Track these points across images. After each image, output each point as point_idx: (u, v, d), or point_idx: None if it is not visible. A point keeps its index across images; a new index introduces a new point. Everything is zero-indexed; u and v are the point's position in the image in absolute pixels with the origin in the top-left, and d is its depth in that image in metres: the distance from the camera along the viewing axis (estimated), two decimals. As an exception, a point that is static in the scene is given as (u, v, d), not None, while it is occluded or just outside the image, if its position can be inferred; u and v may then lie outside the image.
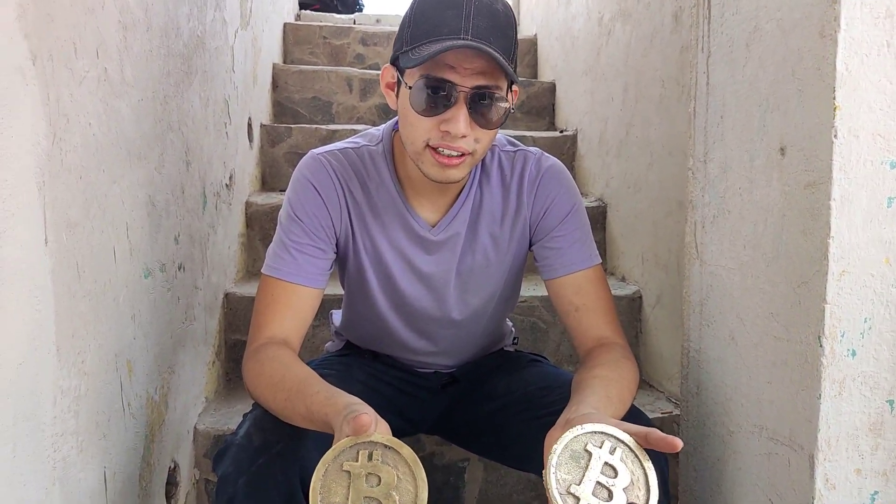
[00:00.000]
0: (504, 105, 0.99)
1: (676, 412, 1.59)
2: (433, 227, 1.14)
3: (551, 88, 2.67)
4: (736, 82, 1.06)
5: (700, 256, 1.17)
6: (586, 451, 0.75)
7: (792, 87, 0.93)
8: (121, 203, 1.10)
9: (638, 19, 1.88)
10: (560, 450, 0.75)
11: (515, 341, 1.45)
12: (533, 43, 2.94)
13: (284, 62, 2.74)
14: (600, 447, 0.76)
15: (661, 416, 1.60)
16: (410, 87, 0.97)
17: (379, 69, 1.82)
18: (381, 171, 1.13)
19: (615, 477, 0.74)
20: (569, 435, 0.76)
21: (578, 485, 0.73)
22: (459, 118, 0.96)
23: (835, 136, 0.86)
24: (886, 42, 0.86)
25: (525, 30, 3.17)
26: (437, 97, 0.96)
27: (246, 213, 1.97)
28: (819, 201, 0.89)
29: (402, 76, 1.01)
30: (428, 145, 1.00)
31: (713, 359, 1.15)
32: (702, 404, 1.18)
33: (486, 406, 1.20)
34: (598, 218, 2.10)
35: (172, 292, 1.34)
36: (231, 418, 1.52)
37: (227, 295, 1.72)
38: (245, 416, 1.04)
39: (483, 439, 1.23)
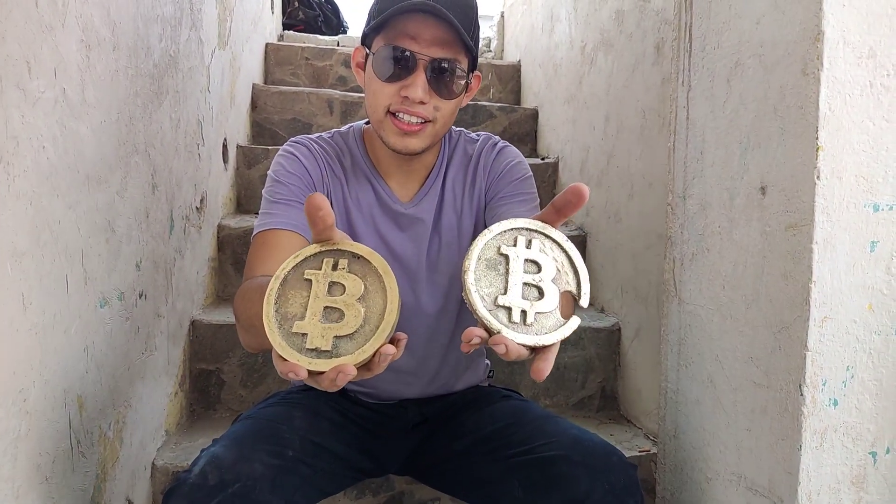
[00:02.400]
0: (463, 79, 1.06)
1: (654, 450, 1.55)
2: (405, 203, 1.18)
3: (534, 115, 2.65)
4: (716, 118, 1.03)
5: (679, 294, 1.13)
6: (501, 254, 0.65)
7: (774, 125, 0.91)
8: (76, 229, 1.05)
9: (620, 50, 1.86)
10: (474, 264, 0.64)
11: (491, 374, 1.40)
12: (517, 69, 2.93)
13: (265, 83, 2.70)
14: (514, 245, 0.66)
15: (638, 454, 1.55)
16: (374, 54, 1.05)
17: (362, 91, 1.80)
18: (353, 150, 1.19)
19: (539, 271, 0.65)
20: (479, 244, 0.65)
21: (505, 293, 0.63)
22: (418, 84, 1.02)
23: (817, 177, 0.84)
24: (869, 82, 0.84)
25: (509, 56, 3.16)
26: (398, 64, 1.02)
27: (218, 237, 1.91)
28: (801, 244, 0.86)
29: (370, 49, 1.08)
30: (389, 112, 1.05)
31: (691, 401, 1.11)
32: (679, 448, 1.14)
33: (453, 445, 1.15)
34: (578, 247, 2.06)
35: (132, 322, 1.28)
36: (192, 453, 1.45)
37: (193, 322, 1.66)
38: (202, 451, 0.99)
39: (451, 478, 1.17)
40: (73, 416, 1.04)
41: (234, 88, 2.18)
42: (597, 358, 1.81)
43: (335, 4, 3.55)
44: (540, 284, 0.65)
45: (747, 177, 0.96)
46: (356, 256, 0.67)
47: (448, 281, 1.21)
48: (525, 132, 2.63)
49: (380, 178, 1.19)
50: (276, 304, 0.65)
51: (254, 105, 2.46)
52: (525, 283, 0.65)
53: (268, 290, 0.65)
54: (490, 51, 3.36)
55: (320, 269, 0.66)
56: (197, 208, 1.71)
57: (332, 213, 0.64)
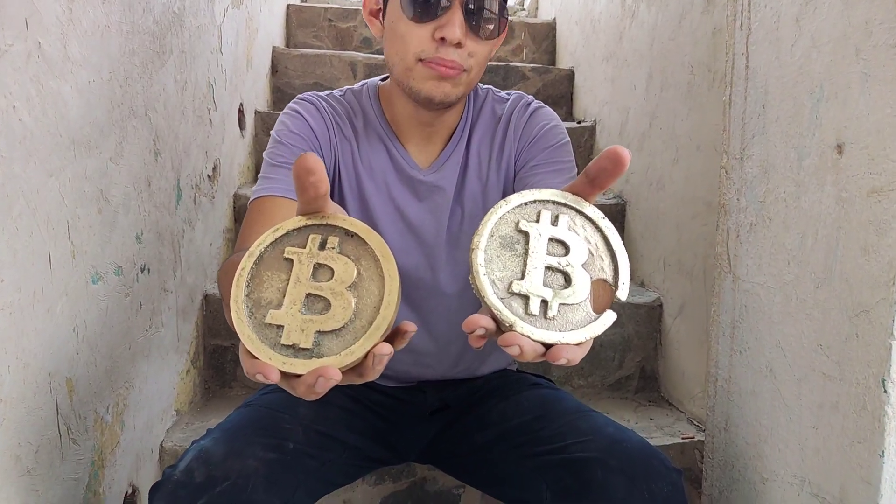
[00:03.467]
0: (497, 19, 0.95)
1: (700, 437, 1.42)
2: (424, 169, 1.06)
3: (569, 76, 2.49)
4: (782, 65, 0.88)
5: (733, 270, 0.99)
6: (520, 231, 0.53)
7: (855, 70, 0.76)
8: (59, 199, 0.95)
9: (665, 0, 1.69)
10: (485, 241, 0.52)
11: (518, 358, 1.28)
12: (551, 28, 2.76)
13: (287, 46, 2.59)
14: (537, 221, 0.53)
15: (681, 441, 1.43)
16: None
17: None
18: (366, 110, 1.08)
19: (567, 253, 0.52)
20: (492, 217, 0.53)
21: (521, 279, 0.51)
22: (455, 22, 0.90)
23: (912, 130, 0.69)
24: (982, 12, 0.68)
25: (544, 14, 2.98)
26: (431, 2, 0.90)
27: (234, 207, 1.82)
28: (886, 212, 0.72)
29: None
30: (419, 60, 0.93)
31: (746, 391, 0.97)
32: (731, 443, 1.01)
33: (476, 436, 1.04)
34: (616, 216, 1.93)
35: (132, 297, 1.19)
36: (204, 433, 1.37)
37: (206, 297, 1.58)
38: (192, 444, 0.90)
39: (472, 471, 1.07)
40: (60, 401, 0.96)
41: (251, 51, 2.06)
42: (636, 336, 1.68)
43: (362, -37, 3.40)
44: (567, 270, 0.52)
45: (820, 133, 0.81)
46: (349, 234, 0.54)
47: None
48: (560, 94, 2.47)
49: (396, 140, 1.07)
50: (247, 286, 0.53)
51: (274, 69, 2.35)
52: (548, 268, 0.52)
53: (238, 269, 0.53)
54: (523, 9, 3.18)
55: (304, 248, 0.54)
56: (209, 177, 1.62)
57: (326, 180, 0.51)
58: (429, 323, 1.10)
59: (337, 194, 1.06)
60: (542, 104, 1.11)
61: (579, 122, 2.31)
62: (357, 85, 1.13)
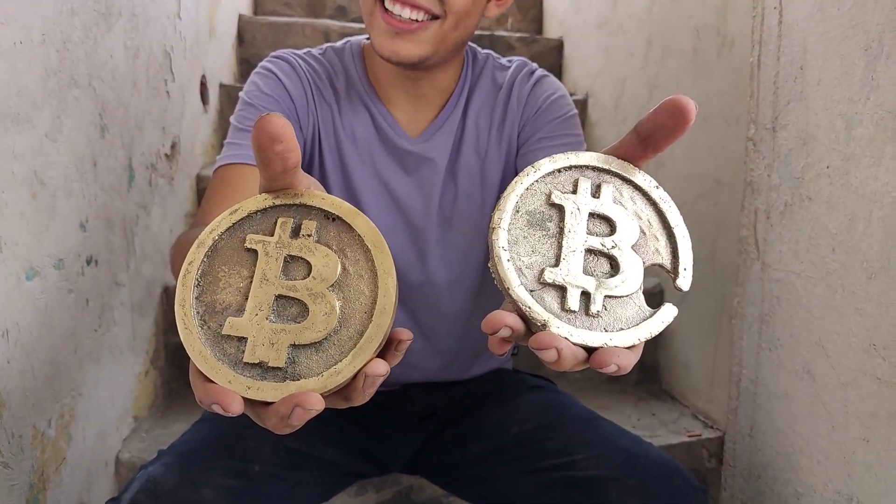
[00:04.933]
0: None
1: (708, 435, 1.31)
2: (413, 137, 0.94)
3: (558, 46, 2.35)
4: (827, 19, 0.75)
5: (762, 257, 0.88)
6: (553, 205, 0.42)
7: (926, 18, 0.63)
8: (-22, 182, 0.80)
9: (665, -42, 1.56)
10: (508, 218, 0.41)
11: (515, 352, 1.16)
12: (538, -5, 2.61)
13: (255, 14, 2.42)
14: (574, 192, 0.42)
15: (687, 439, 1.32)
16: None
17: (363, 22, 1.54)
18: (349, 70, 0.94)
19: (613, 232, 0.41)
20: (516, 189, 0.41)
21: (556, 265, 0.40)
22: None
23: None
24: None
25: (529, -19, 2.83)
26: None
27: (197, 189, 1.66)
28: (966, 189, 0.60)
29: None
30: (378, 2, 0.80)
31: (776, 394, 0.86)
32: (757, 450, 0.90)
33: (470, 448, 0.92)
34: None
35: (77, 293, 1.05)
36: (166, 441, 1.24)
37: (166, 289, 1.43)
38: (140, 470, 0.77)
39: (469, 489, 0.95)
40: (-14, 420, 0.82)
41: (215, 18, 1.90)
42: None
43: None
44: (613, 253, 0.40)
45: (876, 96, 0.69)
46: (330, 217, 0.42)
47: (465, 242, 0.96)
48: (548, 66, 2.33)
49: (381, 105, 0.93)
50: (197, 286, 0.40)
51: (240, 39, 2.18)
52: (589, 251, 0.41)
53: (185, 263, 0.41)
54: (507, -23, 3.02)
55: (272, 236, 0.41)
56: (166, 155, 1.46)
57: (297, 149, 0.38)
58: (417, 316, 0.97)
59: (318, 167, 0.93)
60: (547, 73, 0.98)
61: (570, 96, 2.17)
62: (339, 42, 0.99)
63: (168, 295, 1.43)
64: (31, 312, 0.92)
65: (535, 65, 0.99)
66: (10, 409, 0.87)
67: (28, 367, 0.91)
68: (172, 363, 1.45)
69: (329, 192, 0.93)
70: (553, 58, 2.34)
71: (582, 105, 2.10)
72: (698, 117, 1.38)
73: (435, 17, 0.80)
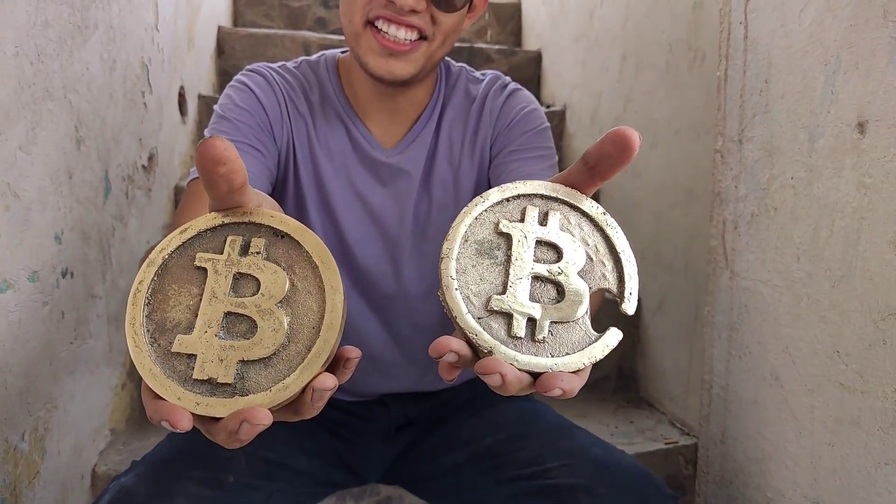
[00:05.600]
0: None
1: (684, 442, 1.33)
2: (388, 149, 0.95)
3: (536, 58, 2.37)
4: (789, 33, 0.77)
5: (731, 266, 0.89)
6: (501, 234, 0.43)
7: (881, 35, 0.65)
8: (-50, 194, 0.80)
9: (639, -27, 1.59)
10: (457, 248, 0.42)
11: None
12: (517, 7, 2.64)
13: (234, 25, 2.42)
14: (521, 220, 0.43)
15: (664, 446, 1.33)
16: None
17: (342, 34, 1.53)
18: (323, 83, 0.95)
19: (560, 259, 0.42)
20: (465, 219, 0.43)
21: (502, 292, 0.41)
22: None
23: (955, 104, 0.59)
24: None
25: (508, -6, 2.86)
26: None
27: (175, 200, 1.66)
28: (921, 200, 0.62)
29: None
30: (368, 21, 0.81)
31: (746, 400, 0.88)
32: (728, 457, 0.92)
33: (445, 457, 0.93)
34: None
35: (52, 306, 1.04)
36: (143, 454, 1.23)
37: (143, 301, 1.42)
38: (112, 481, 0.76)
39: (446, 498, 0.95)
40: (-44, 434, 0.81)
41: (193, 29, 1.90)
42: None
43: (315, -59, 3.23)
44: (559, 279, 0.41)
45: (836, 110, 0.71)
46: (278, 234, 0.43)
47: (439, 251, 0.97)
48: (527, 78, 2.36)
49: (356, 118, 0.94)
50: (147, 304, 0.41)
51: (220, 50, 2.18)
52: (536, 277, 0.41)
53: (135, 282, 0.41)
54: (486, -10, 3.05)
55: (221, 253, 0.42)
56: (144, 167, 1.46)
57: (242, 169, 0.39)
58: (391, 326, 0.98)
59: (292, 178, 0.94)
60: (520, 86, 1.00)
61: (548, 107, 2.20)
62: (314, 56, 1.00)
63: (145, 307, 1.42)
64: (4, 325, 0.92)
65: (507, 78, 1.00)
66: (-19, 423, 0.86)
67: (1, 380, 0.91)
68: (149, 375, 1.43)
69: (304, 200, 0.94)
70: (532, 69, 2.36)
71: (560, 116, 2.12)
72: (671, 130, 1.41)
73: (424, 37, 0.82)
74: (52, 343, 1.05)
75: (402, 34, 0.80)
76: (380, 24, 0.80)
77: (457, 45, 2.30)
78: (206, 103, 1.92)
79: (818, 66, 0.73)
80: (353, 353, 0.41)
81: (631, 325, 1.60)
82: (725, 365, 0.91)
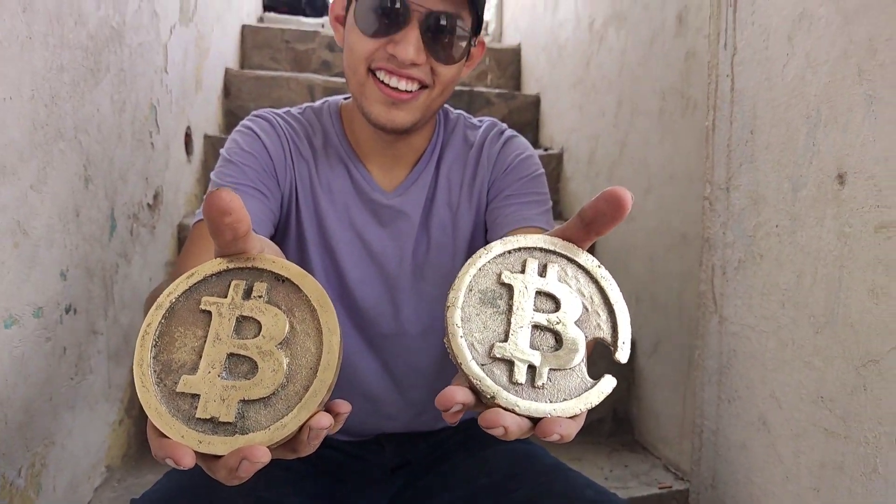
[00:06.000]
0: (465, 40, 0.86)
1: (678, 486, 1.33)
2: (388, 192, 0.97)
3: (535, 102, 2.43)
4: (773, 88, 0.81)
5: (719, 310, 0.91)
6: (503, 284, 0.45)
7: (857, 92, 0.68)
8: (-38, 232, 0.83)
9: (634, 23, 1.64)
10: (462, 297, 0.44)
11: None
12: (516, 53, 2.70)
13: (242, 67, 2.48)
14: (522, 272, 0.46)
15: (658, 491, 1.33)
16: (357, 1, 0.84)
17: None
18: (326, 129, 0.98)
19: (558, 309, 0.45)
20: (470, 270, 0.45)
21: (504, 340, 0.43)
22: (409, 41, 0.82)
23: (927, 160, 0.62)
24: None
25: (508, 39, 2.94)
26: (386, 16, 0.82)
27: (178, 238, 1.69)
28: (897, 250, 0.64)
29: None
30: (370, 71, 0.85)
31: (735, 444, 0.89)
32: (718, 502, 0.92)
33: (442, 497, 0.93)
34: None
35: (55, 342, 1.06)
36: (138, 491, 1.23)
37: (143, 337, 1.44)
38: None
39: (437, 537, 0.95)
40: (-44, 468, 0.82)
41: (202, 71, 1.95)
42: (613, 375, 1.59)
43: (321, -15, 3.34)
44: (557, 328, 0.44)
45: (818, 161, 0.74)
46: (279, 279, 0.45)
47: (437, 292, 0.99)
48: (526, 121, 2.41)
49: (358, 161, 0.97)
50: (155, 346, 0.43)
51: (227, 91, 2.24)
52: (536, 326, 0.44)
53: (144, 325, 0.44)
54: (488, 34, 3.13)
55: (225, 297, 0.44)
56: (149, 205, 1.49)
57: (246, 218, 0.42)
58: (389, 365, 0.99)
59: (294, 220, 0.96)
60: (516, 133, 1.03)
61: (546, 150, 2.24)
62: (318, 102, 1.03)
63: (145, 343, 1.44)
64: (8, 361, 0.93)
65: (504, 125, 1.04)
66: (-20, 457, 0.87)
67: (1, 415, 0.92)
68: (146, 413, 1.44)
69: (305, 242, 0.97)
70: (530, 113, 2.42)
71: (557, 159, 2.16)
72: (666, 175, 1.44)
73: (424, 87, 0.86)
74: (53, 379, 1.06)
75: (404, 85, 0.84)
76: (381, 75, 0.84)
77: (458, 88, 2.36)
78: (212, 143, 1.96)
79: (800, 119, 0.76)
80: (343, 407, 0.43)
81: (626, 368, 1.61)
82: (716, 409, 0.92)
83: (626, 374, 1.60)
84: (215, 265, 0.45)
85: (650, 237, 1.54)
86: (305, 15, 3.15)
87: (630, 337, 0.45)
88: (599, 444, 1.57)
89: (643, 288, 1.57)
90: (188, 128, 1.81)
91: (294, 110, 1.02)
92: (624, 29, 1.69)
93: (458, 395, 0.40)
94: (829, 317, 0.72)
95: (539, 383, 0.42)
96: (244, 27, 2.53)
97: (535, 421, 0.41)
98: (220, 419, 0.41)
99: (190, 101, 1.83)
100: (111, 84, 1.28)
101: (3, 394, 0.92)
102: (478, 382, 0.41)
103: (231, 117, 2.22)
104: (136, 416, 1.41)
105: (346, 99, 1.02)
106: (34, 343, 1.00)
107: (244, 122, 0.98)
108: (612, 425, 1.60)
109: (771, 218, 0.81)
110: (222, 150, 0.95)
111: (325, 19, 3.06)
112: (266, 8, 3.04)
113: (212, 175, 0.93)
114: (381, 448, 1.02)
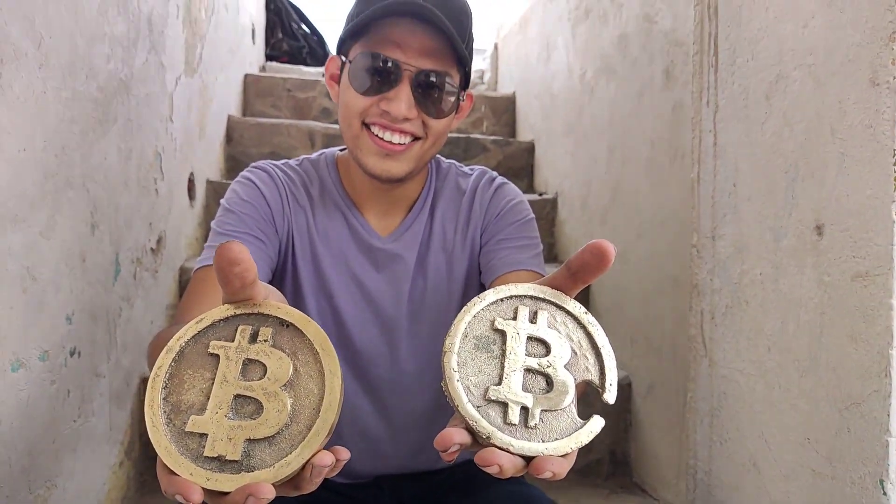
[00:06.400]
0: (454, 96, 0.91)
1: (674, 529, 1.34)
2: (384, 237, 1.01)
3: (530, 148, 2.49)
4: (753, 143, 0.85)
5: (709, 354, 0.94)
6: (496, 331, 0.48)
7: (831, 149, 0.73)
8: (-25, 279, 0.86)
9: (624, 76, 1.70)
10: (458, 343, 0.47)
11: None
12: (511, 101, 2.78)
13: (244, 115, 2.54)
14: (514, 318, 0.49)
15: (656, 533, 1.34)
16: (350, 62, 0.89)
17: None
18: (323, 178, 1.02)
19: (548, 353, 0.47)
20: (465, 317, 0.48)
21: (499, 384, 0.46)
22: (401, 98, 0.87)
23: (897, 213, 0.65)
24: (960, 93, 0.66)
25: (503, 88, 3.02)
26: (379, 75, 0.87)
27: (180, 282, 1.72)
28: (874, 298, 0.68)
29: (346, 57, 0.92)
30: (364, 125, 0.90)
31: (728, 486, 0.91)
32: (713, 543, 0.94)
33: (441, 540, 0.95)
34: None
35: (59, 384, 1.08)
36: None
37: (143, 380, 1.46)
38: None
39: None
40: (-39, 511, 0.84)
41: (205, 119, 2.01)
42: (604, 416, 1.60)
43: (321, 36, 3.42)
44: (548, 371, 0.47)
45: (797, 213, 0.78)
46: (284, 324, 0.48)
47: (432, 332, 1.02)
48: (521, 166, 2.47)
49: (354, 208, 1.01)
50: (165, 388, 0.46)
51: (229, 138, 2.29)
52: (528, 370, 0.47)
53: (154, 368, 0.46)
54: (483, 83, 3.22)
55: (233, 342, 0.47)
56: (152, 250, 1.52)
57: (253, 267, 0.45)
58: (386, 406, 1.01)
59: (290, 265, 1.00)
60: (506, 180, 1.07)
61: (541, 195, 2.29)
62: (314, 154, 1.08)
63: (145, 385, 1.45)
64: (13, 403, 0.95)
65: (494, 173, 1.08)
66: (-15, 500, 0.89)
67: (5, 458, 0.94)
68: (146, 454, 1.45)
69: (301, 286, 1.00)
70: (525, 159, 2.48)
71: (552, 203, 2.21)
72: (657, 220, 1.48)
73: (416, 138, 0.90)
74: (56, 421, 1.08)
75: (397, 139, 0.89)
76: (376, 129, 0.89)
77: (455, 135, 2.42)
78: (214, 188, 2.01)
79: (779, 173, 0.81)
80: (343, 454, 0.46)
81: (622, 410, 1.63)
82: (708, 451, 0.94)
83: (623, 416, 1.62)
84: (223, 311, 0.48)
85: (643, 280, 1.57)
86: (306, 64, 3.23)
87: (617, 379, 0.48)
88: (598, 486, 1.57)
89: (637, 329, 1.60)
90: (191, 174, 1.85)
91: (292, 162, 1.06)
92: (614, 81, 1.76)
93: (455, 436, 0.43)
94: (812, 361, 0.75)
95: (532, 424, 0.45)
96: (247, 76, 2.61)
97: (528, 460, 0.44)
98: (227, 457, 0.43)
99: (193, 147, 1.88)
100: (118, 133, 1.32)
101: (8, 436, 0.94)
102: (474, 424, 0.44)
103: (233, 163, 2.27)
104: (136, 459, 1.42)
105: (341, 150, 1.07)
106: (39, 386, 1.02)
107: (243, 173, 1.01)
108: (610, 467, 1.61)
109: (755, 266, 0.84)
110: (222, 200, 0.98)
111: (325, 68, 3.15)
112: (268, 58, 3.13)
113: (212, 224, 0.96)
114: (379, 490, 1.03)
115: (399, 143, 0.89)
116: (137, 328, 1.43)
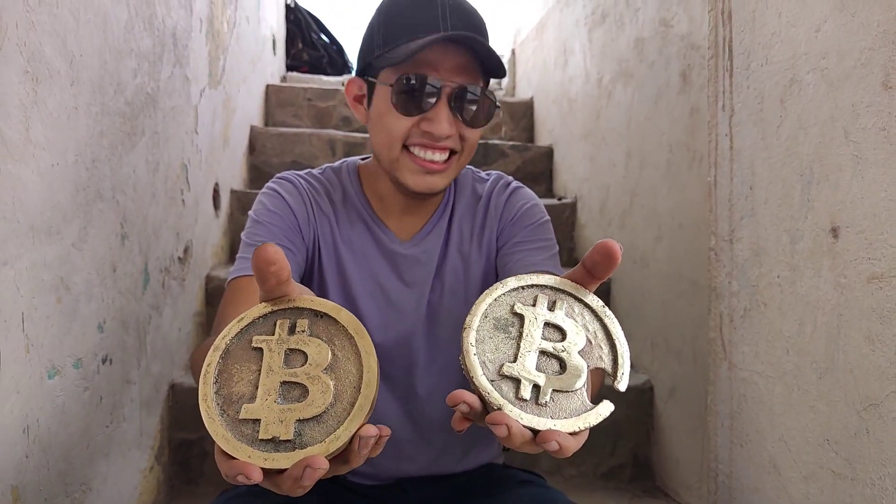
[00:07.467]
0: (488, 102, 0.94)
1: (697, 532, 1.34)
2: (405, 242, 1.04)
3: (548, 153, 2.50)
4: (769, 146, 0.86)
5: (728, 357, 0.95)
6: (515, 314, 0.51)
7: (845, 152, 0.74)
8: (14, 289, 0.89)
9: (641, 80, 1.71)
10: (478, 322, 0.50)
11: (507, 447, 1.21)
12: (529, 106, 2.80)
13: (266, 125, 2.59)
14: (533, 305, 0.51)
15: (679, 536, 1.34)
16: (390, 86, 0.91)
17: (366, 132, 1.67)
18: (345, 186, 1.06)
19: (563, 339, 0.50)
20: (486, 299, 0.51)
21: (513, 361, 0.49)
22: (442, 118, 0.90)
23: (911, 215, 0.66)
24: (973, 95, 0.67)
25: (521, 93, 3.03)
26: (417, 97, 0.90)
27: (206, 289, 1.76)
28: (889, 299, 0.68)
29: (375, 80, 0.95)
30: (405, 147, 0.93)
31: (748, 487, 0.91)
32: (735, 544, 0.94)
33: (464, 542, 0.96)
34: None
35: (92, 391, 1.12)
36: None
37: (172, 386, 1.49)
38: None
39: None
40: (3, 513, 0.87)
41: (229, 130, 2.05)
42: (626, 420, 1.61)
43: (340, 45, 3.46)
44: (562, 356, 0.49)
45: (812, 216, 0.78)
46: (318, 314, 0.52)
47: (450, 334, 1.04)
48: (539, 171, 2.48)
49: (375, 216, 1.04)
50: (216, 382, 0.49)
51: (252, 148, 2.33)
52: (543, 352, 0.50)
53: (204, 365, 0.50)
54: (501, 88, 3.23)
55: (273, 335, 0.51)
56: (179, 259, 1.56)
57: (287, 266, 0.49)
58: (407, 408, 1.03)
59: (317, 271, 1.02)
60: (521, 184, 1.09)
61: (560, 199, 2.30)
62: (336, 163, 1.11)
63: (174, 392, 1.49)
64: (50, 409, 0.99)
65: (510, 177, 1.11)
66: (24, 503, 0.92)
67: (44, 462, 0.97)
68: (175, 460, 1.49)
69: (326, 291, 1.03)
70: (544, 163, 2.49)
71: (571, 208, 2.22)
72: (675, 224, 1.49)
73: (453, 152, 0.93)
74: (90, 427, 1.11)
75: (438, 157, 0.92)
76: (415, 150, 0.92)
77: (473, 141, 2.44)
78: (238, 197, 2.05)
79: (795, 176, 0.81)
80: (385, 430, 0.49)
81: (645, 414, 1.63)
82: (728, 453, 0.95)
83: (646, 420, 1.62)
84: (261, 309, 0.52)
85: (662, 284, 1.58)
86: (326, 74, 3.28)
87: (629, 369, 0.50)
88: (621, 490, 1.58)
89: (658, 333, 1.60)
90: (216, 184, 1.89)
91: (315, 171, 1.09)
92: (631, 85, 1.76)
93: (465, 396, 0.46)
94: (830, 363, 0.76)
95: (542, 401, 0.47)
96: (268, 87, 2.65)
97: (536, 434, 0.46)
98: (281, 438, 0.46)
99: (218, 158, 1.92)
100: (146, 146, 1.36)
101: (46, 441, 0.97)
102: (487, 395, 0.47)
103: (256, 172, 2.31)
104: (166, 464, 1.46)
105: (363, 160, 1.09)
106: (74, 392, 1.06)
107: (269, 184, 1.04)
108: (633, 471, 1.61)
109: (772, 269, 0.85)
110: (251, 212, 1.01)
111: (345, 77, 3.19)
112: (289, 68, 3.17)
113: (243, 235, 0.99)
114: (403, 492, 1.05)
115: (441, 161, 0.93)
116: (166, 335, 1.46)
